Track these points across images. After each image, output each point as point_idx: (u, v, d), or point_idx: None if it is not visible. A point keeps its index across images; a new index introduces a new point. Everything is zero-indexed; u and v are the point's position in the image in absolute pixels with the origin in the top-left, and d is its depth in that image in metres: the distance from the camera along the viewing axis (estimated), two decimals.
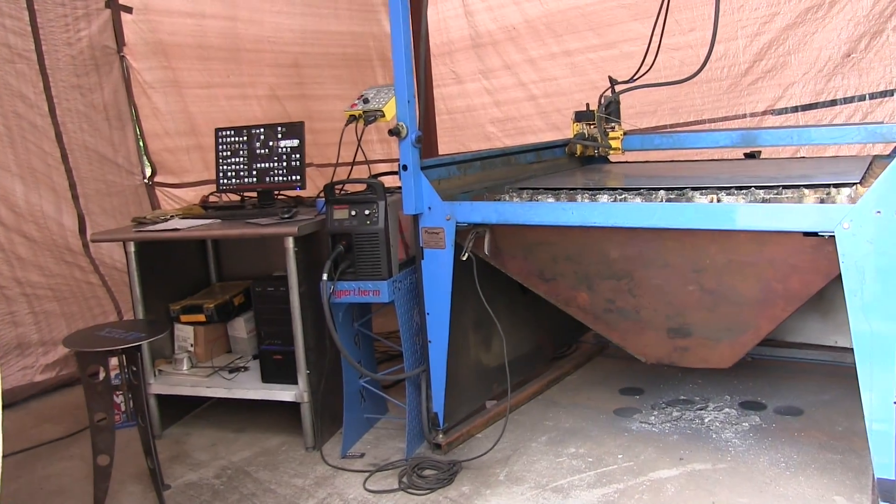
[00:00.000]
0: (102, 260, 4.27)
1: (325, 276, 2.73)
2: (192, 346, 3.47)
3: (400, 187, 2.91)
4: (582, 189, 2.68)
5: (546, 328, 3.70)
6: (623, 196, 2.55)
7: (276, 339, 3.11)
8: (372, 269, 2.78)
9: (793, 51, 4.34)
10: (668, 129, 4.61)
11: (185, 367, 3.37)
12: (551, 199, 2.66)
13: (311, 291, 2.98)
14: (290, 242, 2.89)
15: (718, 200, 2.38)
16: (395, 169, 2.79)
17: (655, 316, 2.75)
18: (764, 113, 4.49)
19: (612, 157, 3.94)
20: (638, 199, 2.51)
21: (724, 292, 2.56)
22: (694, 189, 2.46)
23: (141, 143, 4.51)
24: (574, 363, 3.83)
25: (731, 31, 4.50)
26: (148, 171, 4.58)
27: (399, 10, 2.61)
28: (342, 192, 2.87)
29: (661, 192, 2.49)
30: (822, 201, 2.27)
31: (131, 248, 3.17)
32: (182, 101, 4.67)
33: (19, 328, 3.93)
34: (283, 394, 3.07)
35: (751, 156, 3.65)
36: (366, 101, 2.80)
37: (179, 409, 3.47)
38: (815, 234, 2.21)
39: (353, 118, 2.80)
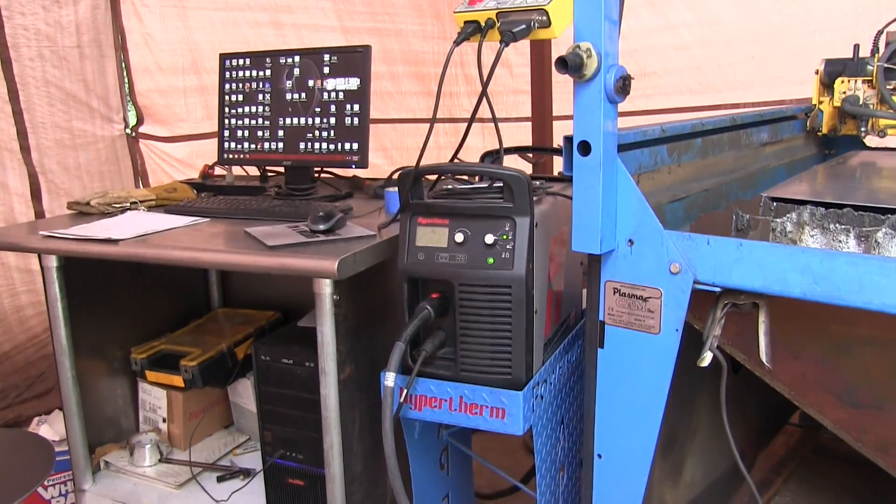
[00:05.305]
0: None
1: (390, 369, 1.28)
2: (164, 420, 2.09)
3: (542, 184, 1.47)
4: None
5: (752, 423, 2.22)
6: None
7: (294, 450, 1.69)
8: (492, 361, 1.31)
9: None
10: None
11: (147, 461, 1.98)
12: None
13: (361, 374, 1.56)
14: (324, 287, 1.45)
15: None
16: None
17: None
18: None
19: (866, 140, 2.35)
20: None
21: None
22: None
23: (126, 81, 3.15)
24: (782, 474, 2.34)
25: None
26: (132, 120, 3.29)
27: None
28: (437, 188, 1.40)
29: None
30: None
31: (51, 262, 1.77)
32: (186, 27, 3.35)
33: None
34: None
35: None
36: None
37: None
38: None
39: (473, 28, 1.29)
